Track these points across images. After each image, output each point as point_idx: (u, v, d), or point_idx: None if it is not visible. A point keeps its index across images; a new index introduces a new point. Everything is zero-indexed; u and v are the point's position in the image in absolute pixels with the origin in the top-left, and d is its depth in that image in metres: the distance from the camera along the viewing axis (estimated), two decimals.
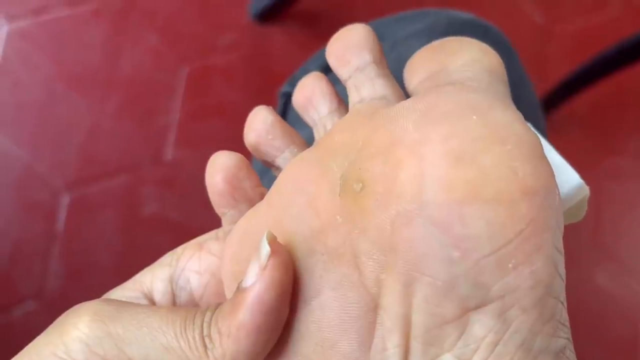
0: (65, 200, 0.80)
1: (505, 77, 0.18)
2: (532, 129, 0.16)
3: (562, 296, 0.15)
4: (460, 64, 0.18)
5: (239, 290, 0.16)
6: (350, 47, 0.20)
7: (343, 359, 0.16)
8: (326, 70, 0.40)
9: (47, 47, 0.86)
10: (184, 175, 0.81)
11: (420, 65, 0.19)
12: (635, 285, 0.77)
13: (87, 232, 0.79)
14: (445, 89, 0.17)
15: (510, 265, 0.14)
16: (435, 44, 0.20)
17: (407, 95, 0.20)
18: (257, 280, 0.16)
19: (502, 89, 0.18)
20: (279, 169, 0.21)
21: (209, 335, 0.16)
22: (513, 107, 0.17)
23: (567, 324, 0.16)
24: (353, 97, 0.20)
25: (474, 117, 0.15)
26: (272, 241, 0.16)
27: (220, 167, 0.20)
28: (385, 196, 0.16)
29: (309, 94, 0.22)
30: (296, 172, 0.19)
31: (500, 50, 0.35)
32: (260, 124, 0.21)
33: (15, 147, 0.82)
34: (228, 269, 0.19)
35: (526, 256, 0.14)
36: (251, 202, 0.20)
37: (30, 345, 0.17)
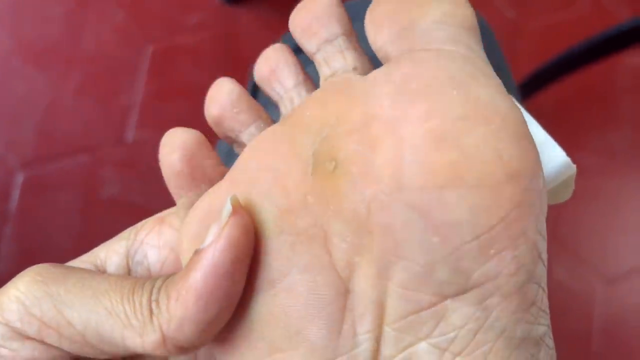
0: (19, 179, 0.77)
1: (479, 33, 0.17)
2: (516, 103, 0.15)
3: (544, 282, 0.15)
4: (431, 19, 0.16)
5: (195, 252, 0.15)
6: (317, 17, 0.19)
7: (311, 346, 0.15)
8: (297, 51, 0.39)
9: (4, 19, 0.82)
10: (146, 157, 0.79)
11: (385, 19, 0.17)
12: (593, 279, 0.79)
13: (43, 213, 0.76)
14: (420, 55, 0.16)
15: (492, 251, 0.14)
16: None
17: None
18: (214, 241, 0.15)
19: (480, 51, 0.16)
20: (242, 145, 0.20)
21: (157, 300, 0.15)
22: (495, 77, 0.16)
23: (547, 310, 0.15)
24: (324, 71, 0.19)
25: (455, 92, 0.15)
26: (236, 204, 0.15)
27: (178, 145, 0.18)
28: (361, 177, 0.15)
29: (273, 65, 0.20)
30: (263, 147, 0.17)
31: (485, 39, 0.35)
32: (224, 95, 0.20)
33: None
34: (186, 250, 0.17)
35: (509, 241, 0.14)
36: (212, 183, 0.19)
37: None
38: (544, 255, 0.15)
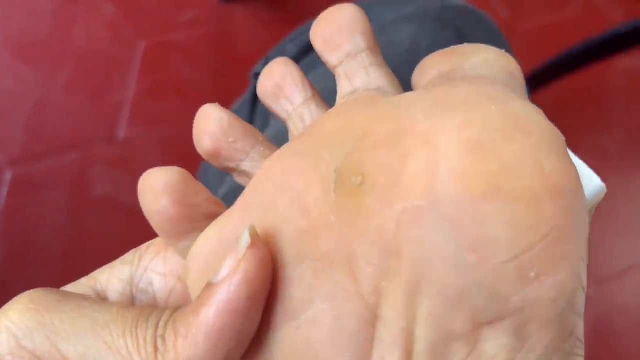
0: (7, 176, 0.75)
1: (523, 81, 0.16)
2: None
3: (582, 310, 0.14)
4: (475, 62, 0.16)
5: (208, 285, 0.14)
6: (341, 29, 0.18)
7: None
8: (306, 51, 0.38)
9: None
10: (137, 155, 0.78)
11: (431, 66, 0.17)
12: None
13: (31, 212, 0.75)
14: (459, 82, 0.15)
15: (532, 274, 0.13)
16: (449, 48, 0.18)
17: (405, 90, 0.18)
18: (230, 275, 0.14)
19: (520, 89, 0.16)
20: (245, 174, 0.19)
21: (163, 336, 0.14)
22: (532, 103, 0.15)
23: (583, 339, 0.14)
24: (344, 87, 0.18)
25: (493, 106, 0.14)
26: (254, 236, 0.14)
27: (162, 188, 0.16)
28: (390, 190, 0.14)
29: (279, 81, 0.19)
30: (278, 166, 0.16)
31: (495, 40, 0.34)
32: (215, 126, 0.18)
33: None
34: (194, 282, 0.16)
35: (550, 265, 0.13)
36: (212, 218, 0.17)
37: None
38: (584, 282, 0.14)
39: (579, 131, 0.85)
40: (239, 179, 0.19)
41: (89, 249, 0.73)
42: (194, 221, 0.16)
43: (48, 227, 0.75)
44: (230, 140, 0.18)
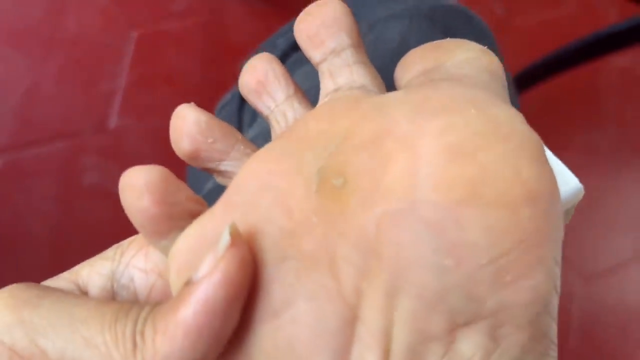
0: None
1: (504, 80, 0.17)
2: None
3: (555, 313, 0.14)
4: (458, 60, 0.16)
5: (187, 283, 0.14)
6: (325, 25, 0.18)
7: None
8: (296, 47, 0.38)
9: None
10: (127, 145, 0.77)
11: (414, 62, 0.17)
12: (572, 277, 0.79)
13: (19, 200, 0.74)
14: (441, 83, 0.15)
15: (508, 278, 0.13)
16: (432, 43, 0.18)
17: (390, 89, 0.18)
18: (209, 274, 0.14)
19: (501, 90, 0.16)
20: (225, 174, 0.19)
21: (142, 332, 0.14)
22: (513, 107, 0.15)
23: (556, 340, 0.15)
24: (327, 85, 0.18)
25: (473, 110, 0.14)
26: (235, 234, 0.14)
27: (143, 187, 0.16)
28: (371, 193, 0.14)
29: (262, 77, 0.19)
30: (261, 165, 0.16)
31: (485, 41, 0.34)
32: (193, 127, 0.18)
33: None
34: (175, 279, 0.16)
35: (526, 269, 0.13)
36: (194, 217, 0.17)
37: None
38: (559, 287, 0.14)
39: (571, 128, 0.86)
40: (220, 180, 0.19)
41: (77, 238, 0.73)
42: (175, 220, 0.16)
43: (36, 215, 0.74)
44: (210, 140, 0.18)
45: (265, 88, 0.19)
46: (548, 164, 0.14)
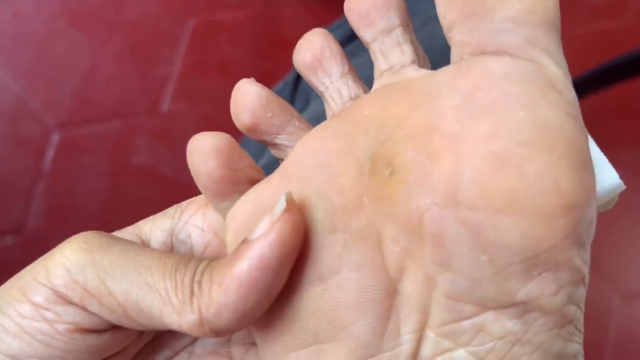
0: (55, 139, 0.79)
1: (559, 30, 0.15)
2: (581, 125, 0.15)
3: (582, 303, 0.15)
4: (509, 15, 0.15)
5: (244, 241, 0.16)
6: (375, 5, 0.18)
7: (355, 341, 0.16)
8: (349, 39, 0.39)
9: None
10: (178, 129, 0.80)
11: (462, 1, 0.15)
12: (612, 294, 0.78)
13: (74, 174, 0.78)
14: (491, 63, 0.15)
15: (535, 273, 0.14)
16: None
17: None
18: (265, 234, 0.15)
19: (557, 54, 0.15)
20: (279, 147, 0.19)
21: (199, 282, 0.16)
22: (568, 91, 0.15)
23: (582, 329, 0.15)
24: (380, 63, 0.19)
25: (522, 113, 0.14)
26: (290, 201, 0.16)
27: (212, 151, 0.17)
28: (417, 187, 0.15)
29: (318, 53, 0.19)
30: (318, 144, 0.17)
31: None
32: (254, 101, 0.19)
33: (10, 79, 0.80)
34: (232, 238, 0.17)
35: (555, 266, 0.14)
36: (253, 183, 0.18)
37: (18, 273, 0.17)
38: (586, 279, 0.15)
39: (616, 144, 0.83)
40: (275, 152, 0.20)
41: (124, 214, 0.76)
42: (237, 184, 0.18)
43: (88, 190, 0.78)
44: (268, 115, 0.19)
45: (322, 64, 0.19)
46: (590, 171, 0.14)
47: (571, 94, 0.15)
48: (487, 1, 0.15)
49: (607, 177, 0.21)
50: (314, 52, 0.19)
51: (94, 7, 0.83)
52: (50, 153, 0.78)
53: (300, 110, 0.39)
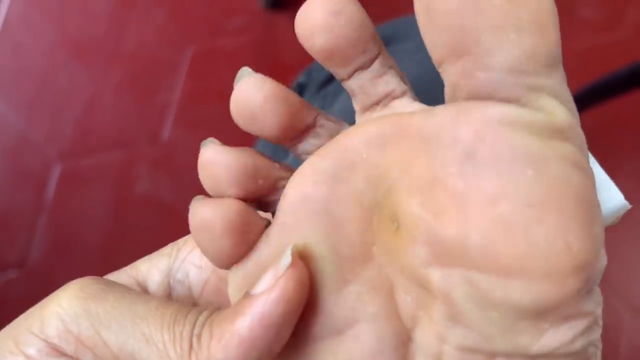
0: (56, 170, 0.79)
1: (561, 66, 0.14)
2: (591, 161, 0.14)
3: (599, 341, 0.15)
4: (509, 64, 0.13)
5: (246, 296, 0.15)
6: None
7: None
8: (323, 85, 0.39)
9: (51, 13, 0.84)
10: (179, 157, 0.80)
11: (453, 17, 0.13)
12: (622, 309, 0.77)
13: (76, 205, 0.78)
14: (492, 109, 0.14)
15: (547, 325, 0.14)
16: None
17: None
18: (268, 290, 0.15)
19: (564, 93, 0.14)
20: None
21: (199, 336, 0.15)
22: (577, 134, 0.14)
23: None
24: (363, 98, 0.17)
25: (530, 171, 0.13)
26: (295, 255, 0.15)
27: (223, 230, 0.16)
28: (424, 246, 0.14)
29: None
30: (314, 188, 0.16)
31: None
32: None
33: (11, 112, 0.80)
34: (234, 289, 0.17)
35: (566, 318, 0.14)
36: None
37: (15, 320, 0.17)
38: (600, 319, 0.14)
39: (621, 155, 0.83)
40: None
41: (127, 244, 0.75)
42: (251, 249, 0.16)
43: (91, 220, 0.77)
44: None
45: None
46: (599, 223, 0.14)
47: (579, 137, 0.14)
48: (482, 42, 0.13)
49: (612, 197, 0.21)
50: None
51: (93, 38, 0.84)
52: (52, 184, 0.78)
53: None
